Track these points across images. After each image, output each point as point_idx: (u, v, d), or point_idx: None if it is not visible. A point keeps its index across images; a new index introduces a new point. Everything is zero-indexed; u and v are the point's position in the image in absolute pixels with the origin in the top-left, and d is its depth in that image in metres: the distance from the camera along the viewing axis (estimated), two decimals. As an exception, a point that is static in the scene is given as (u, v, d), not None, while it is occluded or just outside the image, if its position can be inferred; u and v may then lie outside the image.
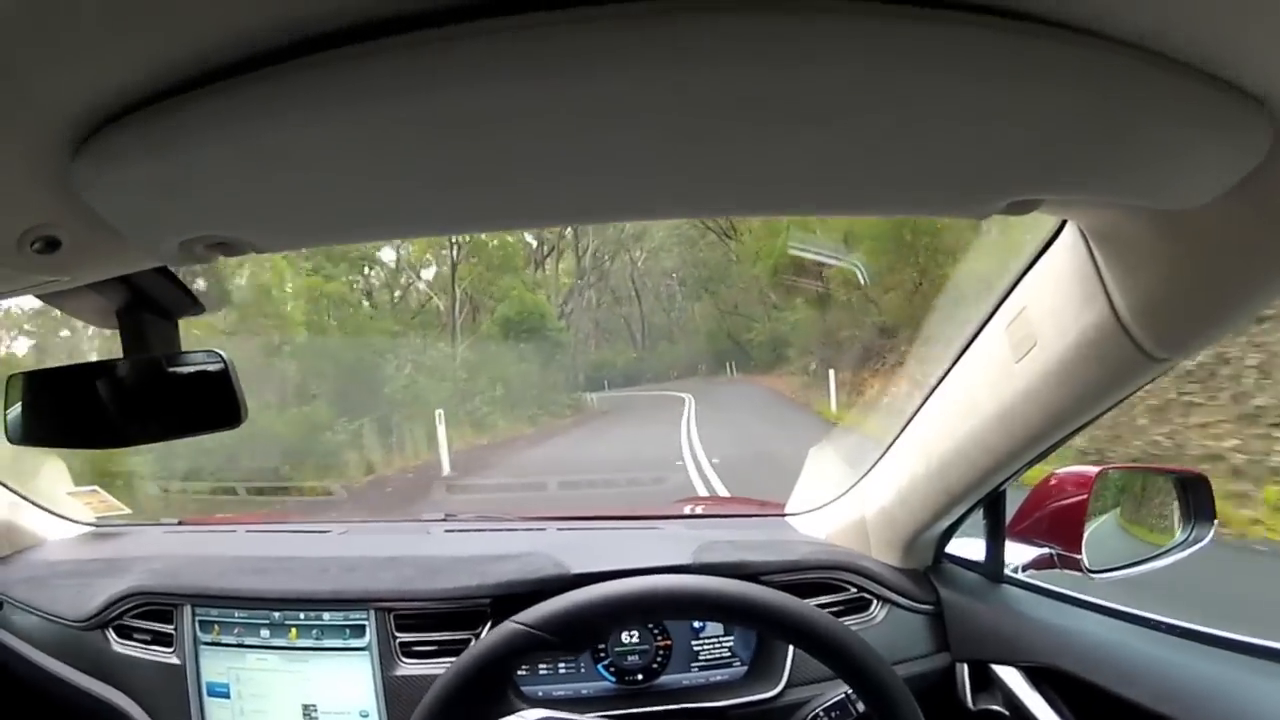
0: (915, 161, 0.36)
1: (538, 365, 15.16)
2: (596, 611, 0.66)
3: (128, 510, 1.15)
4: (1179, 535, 0.99)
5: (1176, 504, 1.02)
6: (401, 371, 11.61)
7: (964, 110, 0.31)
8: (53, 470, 1.15)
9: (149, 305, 0.68)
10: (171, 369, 0.71)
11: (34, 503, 1.10)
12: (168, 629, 0.95)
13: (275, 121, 0.30)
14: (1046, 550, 0.95)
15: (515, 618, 0.67)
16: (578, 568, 0.83)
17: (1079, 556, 0.91)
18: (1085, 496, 0.93)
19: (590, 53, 0.27)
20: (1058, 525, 0.94)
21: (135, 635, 0.98)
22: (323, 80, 0.29)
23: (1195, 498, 1.00)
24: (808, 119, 0.31)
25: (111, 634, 0.99)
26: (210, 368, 0.71)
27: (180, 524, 1.16)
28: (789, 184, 0.38)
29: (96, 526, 1.14)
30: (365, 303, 15.57)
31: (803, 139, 0.33)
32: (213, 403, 0.71)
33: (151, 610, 0.96)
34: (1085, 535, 0.92)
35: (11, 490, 1.09)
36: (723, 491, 5.41)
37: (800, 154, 0.34)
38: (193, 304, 0.72)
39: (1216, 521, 1.00)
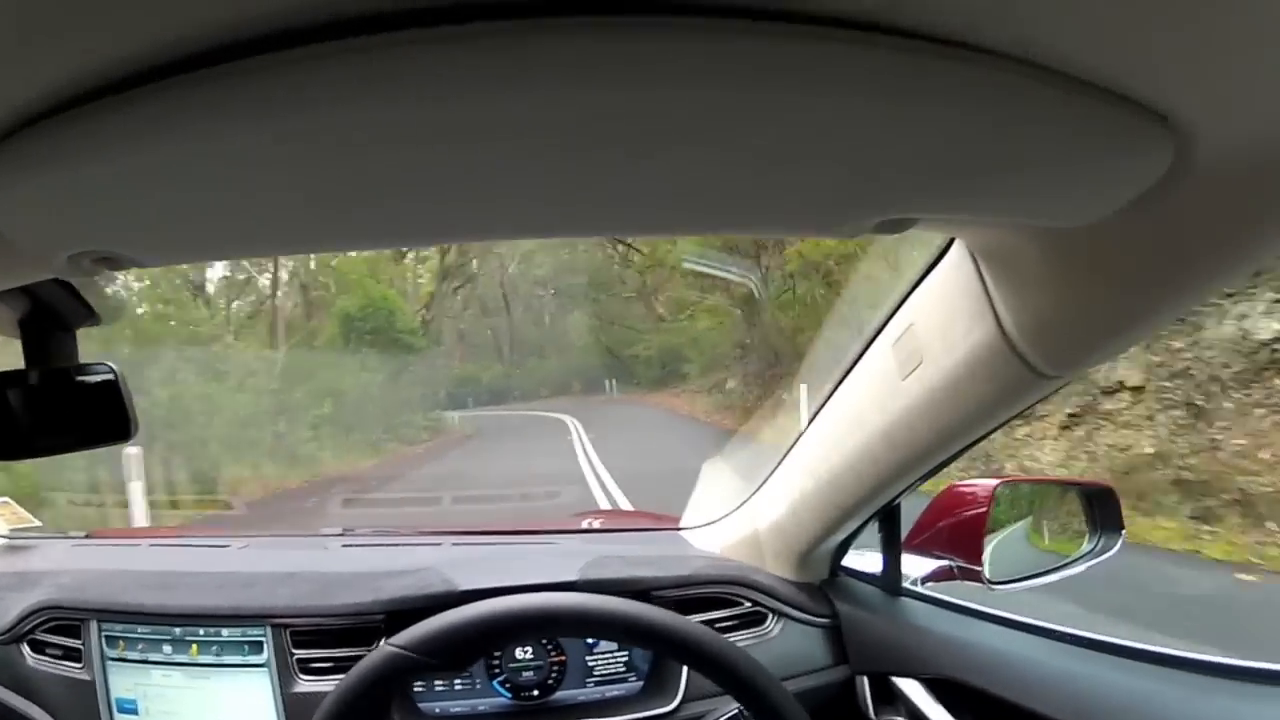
0: (781, 180, 0.35)
1: (385, 376, 12.58)
2: (469, 631, 0.66)
3: (38, 523, 1.15)
4: (1086, 545, 1.01)
5: (1082, 515, 1.03)
6: (174, 380, 8.77)
7: (829, 127, 0.30)
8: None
9: (49, 316, 0.68)
10: (68, 381, 0.71)
11: (-54, 516, 1.10)
12: (77, 644, 0.95)
13: (160, 138, 0.30)
14: (946, 562, 0.96)
15: (390, 640, 0.67)
16: (465, 584, 0.84)
17: (979, 568, 0.92)
18: (985, 509, 0.95)
19: (456, 72, 0.27)
20: (957, 537, 0.95)
21: (48, 650, 0.98)
22: (206, 98, 0.29)
23: (1102, 509, 1.02)
24: (670, 138, 0.30)
25: (26, 649, 0.99)
26: (102, 380, 0.71)
27: (88, 537, 1.16)
28: (656, 205, 0.37)
29: (9, 539, 1.14)
30: (197, 299, 12.95)
31: (667, 159, 0.32)
32: (106, 415, 0.71)
33: (61, 625, 0.96)
34: (986, 547, 0.93)
35: (-78, 502, 1.09)
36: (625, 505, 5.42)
37: (666, 174, 0.34)
38: (89, 315, 0.72)
39: (1125, 531, 1.01)
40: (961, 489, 0.95)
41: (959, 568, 0.95)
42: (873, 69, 0.28)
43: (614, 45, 0.26)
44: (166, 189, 0.33)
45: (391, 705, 0.77)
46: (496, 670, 0.87)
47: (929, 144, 0.31)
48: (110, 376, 0.72)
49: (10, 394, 0.71)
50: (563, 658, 0.87)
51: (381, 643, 0.67)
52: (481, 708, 0.87)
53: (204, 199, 0.35)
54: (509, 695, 0.87)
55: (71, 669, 0.96)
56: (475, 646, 0.69)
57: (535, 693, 0.87)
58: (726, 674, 0.67)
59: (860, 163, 0.33)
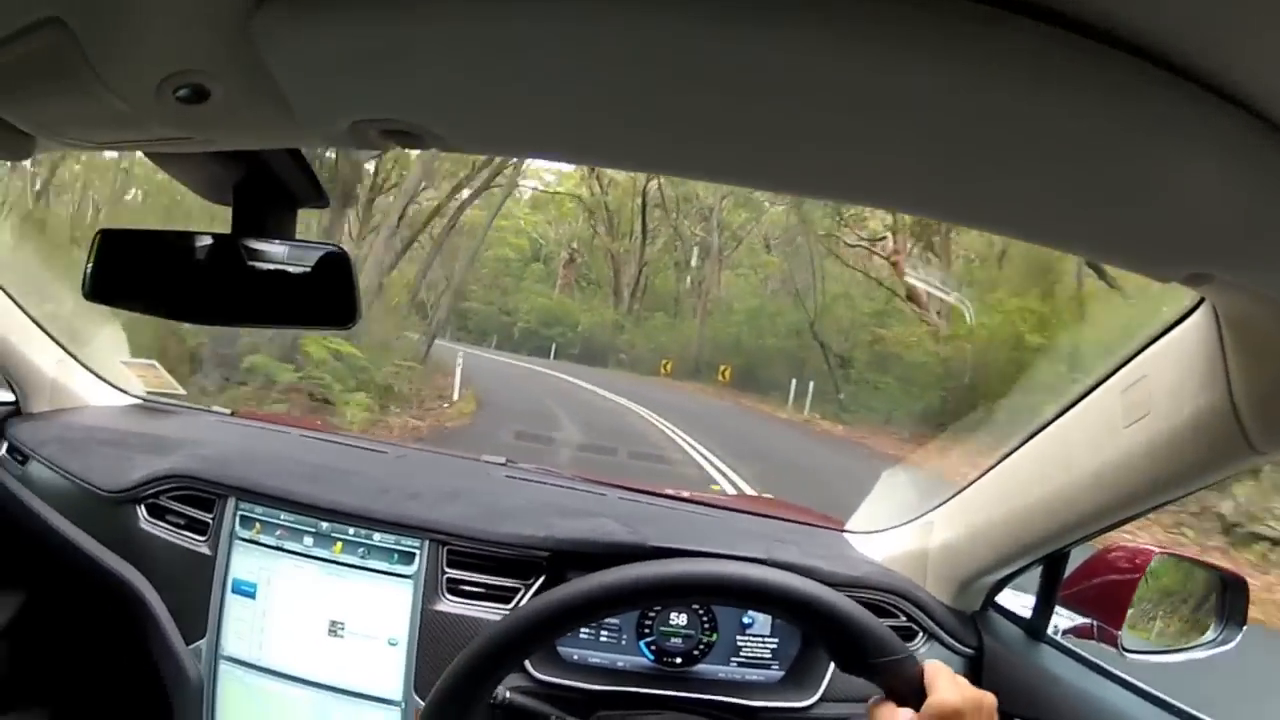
0: (1120, 213, 0.36)
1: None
2: (580, 605, 0.63)
3: (182, 391, 1.12)
4: (1209, 634, 1.00)
5: (1214, 601, 1.03)
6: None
7: (1184, 177, 0.32)
8: (110, 337, 1.12)
9: (272, 187, 0.66)
10: (287, 255, 0.69)
11: (84, 365, 1.07)
12: (205, 517, 0.93)
13: (502, 9, 0.28)
14: (1088, 620, 0.96)
15: (506, 625, 0.64)
16: (654, 540, 0.82)
17: (1118, 633, 0.92)
18: (1138, 576, 0.94)
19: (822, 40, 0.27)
20: (1106, 598, 0.94)
21: (168, 517, 0.96)
22: None
23: (1231, 599, 1.01)
24: (1044, 152, 0.32)
25: (142, 511, 0.97)
26: (328, 263, 0.69)
27: (232, 415, 1.13)
28: (1006, 205, 0.39)
29: (145, 401, 1.11)
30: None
31: (1028, 165, 0.33)
32: (327, 299, 0.68)
33: (192, 496, 0.94)
34: (1129, 613, 0.93)
35: (62, 347, 1.06)
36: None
37: (1022, 177, 0.34)
38: (318, 196, 0.69)
39: (1245, 628, 1.01)
40: (1123, 551, 0.94)
41: (1099, 627, 0.95)
42: (1238, 133, 0.29)
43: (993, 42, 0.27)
44: (494, 66, 0.31)
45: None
46: (647, 631, 0.85)
47: (1256, 209, 0.34)
48: (339, 261, 0.69)
49: (213, 258, 0.69)
50: (715, 632, 0.86)
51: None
52: (620, 664, 0.85)
53: (515, 84, 0.32)
54: (652, 658, 0.85)
55: (191, 540, 0.94)
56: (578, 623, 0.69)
57: (678, 660, 0.85)
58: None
59: (1203, 217, 0.35)
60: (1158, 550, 0.95)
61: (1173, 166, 0.31)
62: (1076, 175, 0.33)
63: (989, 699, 0.60)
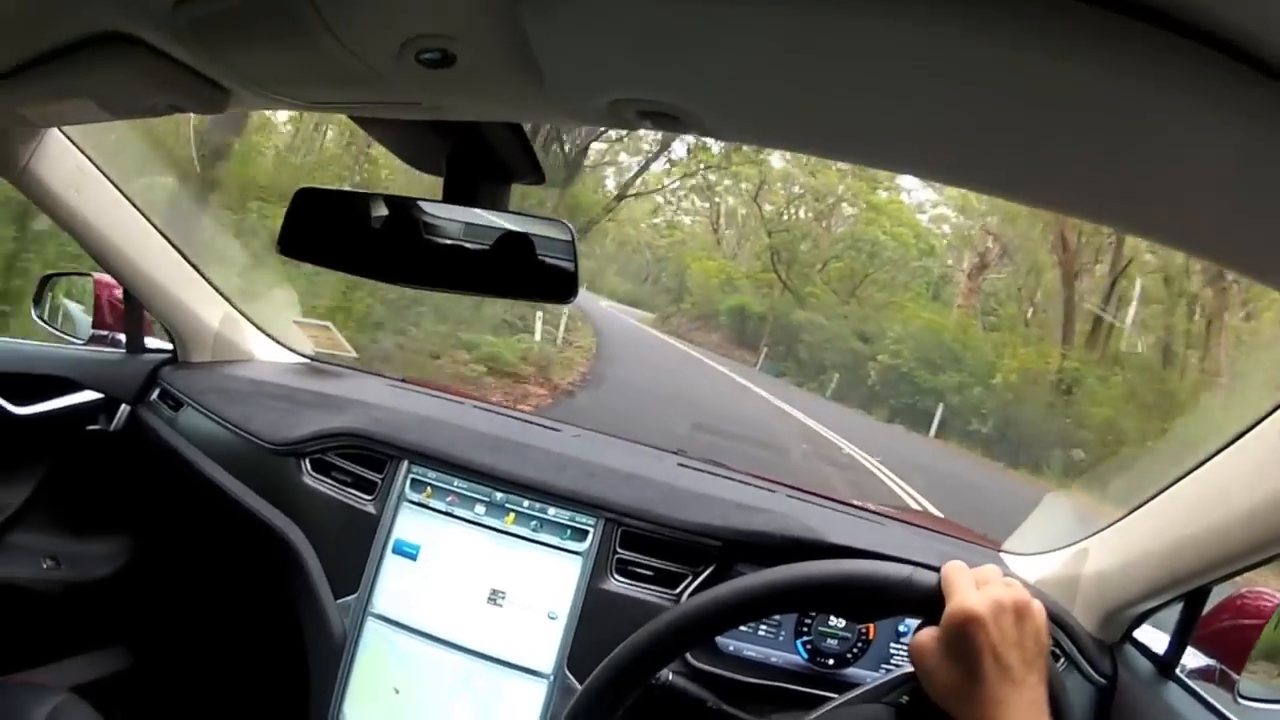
0: (1248, 218, 0.35)
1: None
2: (777, 593, 0.60)
3: (353, 353, 1.16)
4: (1313, 685, 1.03)
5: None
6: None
7: None
8: (282, 297, 1.16)
9: (486, 160, 0.66)
10: (507, 227, 0.71)
11: (251, 320, 1.10)
12: (373, 477, 0.96)
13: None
14: (1212, 663, 0.98)
15: (701, 601, 0.60)
16: (835, 538, 0.85)
17: (1236, 678, 0.95)
18: (1263, 622, 0.97)
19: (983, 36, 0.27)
20: (1231, 641, 0.97)
21: (334, 474, 0.99)
22: None
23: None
24: (1193, 158, 0.31)
25: (306, 465, 1.00)
26: (551, 237, 0.71)
27: (404, 381, 1.16)
28: (1140, 200, 0.38)
29: (312, 361, 1.14)
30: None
31: (1171, 163, 0.33)
32: (547, 272, 0.70)
33: (362, 455, 0.97)
34: (1252, 661, 0.95)
35: (230, 302, 1.10)
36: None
37: (1163, 176, 0.34)
38: (533, 172, 0.71)
39: (1346, 682, 1.03)
40: (1256, 595, 0.97)
41: (1221, 671, 0.97)
42: None
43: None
44: (748, 51, 0.30)
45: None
46: (805, 630, 0.88)
47: None
48: (563, 236, 0.71)
49: (427, 223, 0.72)
50: (871, 636, 0.88)
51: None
52: (774, 659, 0.88)
53: (786, 76, 0.31)
54: (806, 656, 0.88)
55: (357, 498, 0.97)
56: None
57: (831, 661, 0.88)
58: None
59: None
60: (1286, 599, 0.98)
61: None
62: (1203, 177, 0.33)
63: (1020, 598, 0.54)
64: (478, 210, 0.70)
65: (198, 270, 1.11)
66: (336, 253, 0.75)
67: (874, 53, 0.29)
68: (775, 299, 17.01)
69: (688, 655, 0.85)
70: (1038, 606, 0.55)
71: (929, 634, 0.54)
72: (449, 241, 0.73)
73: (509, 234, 0.72)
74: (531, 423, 1.07)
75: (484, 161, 0.69)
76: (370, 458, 0.97)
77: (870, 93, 0.32)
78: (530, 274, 0.71)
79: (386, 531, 0.95)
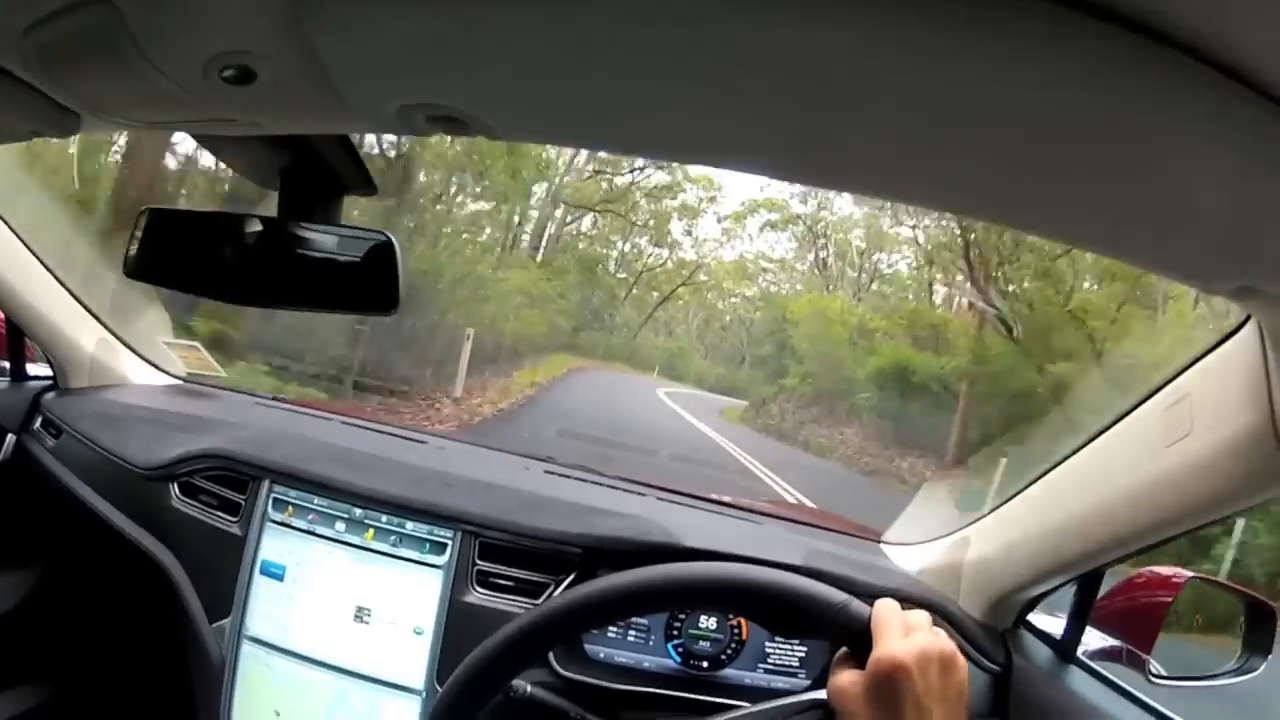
0: (1173, 221, 0.36)
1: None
2: (611, 601, 0.62)
3: (222, 373, 1.13)
4: (1234, 661, 1.00)
5: (1240, 628, 1.02)
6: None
7: (1242, 185, 0.31)
8: (153, 317, 1.13)
9: (319, 173, 0.66)
10: (333, 241, 0.69)
11: (125, 343, 1.08)
12: (237, 498, 0.93)
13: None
14: (1117, 643, 0.95)
15: (540, 612, 0.62)
16: (691, 542, 0.82)
17: (1146, 659, 0.91)
18: (1168, 600, 0.94)
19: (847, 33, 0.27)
20: (1135, 622, 0.94)
21: (200, 496, 0.96)
22: None
23: (1258, 627, 1.00)
24: (1091, 156, 0.31)
25: (175, 489, 0.97)
26: (374, 249, 0.69)
27: (274, 399, 1.14)
28: (1043, 201, 0.38)
29: (185, 382, 1.12)
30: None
31: (1085, 170, 0.33)
32: (369, 284, 0.69)
33: (226, 476, 0.94)
34: (1159, 639, 0.92)
35: (104, 326, 1.07)
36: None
37: (1066, 179, 0.34)
38: (365, 183, 0.69)
39: (1270, 657, 1.00)
40: (1155, 574, 0.93)
41: (1128, 651, 0.94)
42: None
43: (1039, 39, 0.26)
44: (524, 51, 0.30)
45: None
46: (675, 633, 0.85)
47: None
48: (385, 247, 0.69)
49: (257, 240, 0.69)
50: (744, 637, 0.85)
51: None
52: (646, 664, 0.85)
53: (560, 72, 0.32)
54: (679, 660, 0.85)
55: (223, 520, 0.94)
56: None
57: (705, 664, 0.85)
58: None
59: (1252, 229, 0.34)
60: (1190, 575, 0.94)
61: (1227, 176, 0.31)
62: (1130, 183, 0.33)
63: (946, 649, 0.53)
64: (309, 225, 0.68)
65: (72, 294, 1.08)
66: (177, 273, 0.74)
67: (645, 45, 0.29)
68: (975, 346, 10.18)
69: (555, 665, 0.82)
70: (962, 661, 0.55)
71: (851, 677, 0.53)
72: (283, 259, 0.71)
73: (337, 246, 0.70)
74: (398, 436, 1.04)
75: (315, 175, 0.67)
76: (234, 479, 0.94)
77: (649, 84, 0.32)
78: (356, 287, 0.70)
79: (253, 553, 0.92)
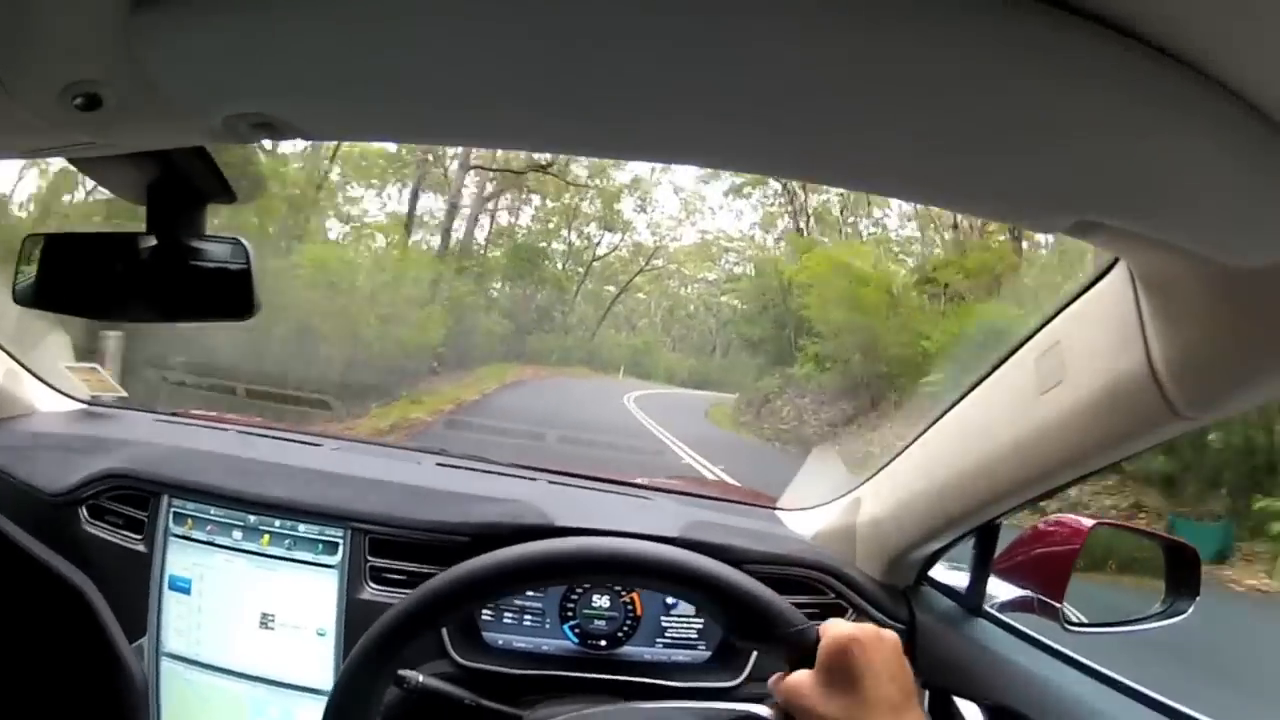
0: (1001, 162, 0.35)
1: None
2: (460, 589, 0.64)
3: (124, 393, 1.14)
4: (1159, 605, 0.99)
5: (1164, 572, 1.01)
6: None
7: (1060, 120, 0.31)
8: (54, 342, 1.14)
9: (181, 185, 0.67)
10: (194, 252, 0.70)
11: (31, 372, 1.09)
12: (140, 515, 0.94)
13: (333, 5, 0.29)
14: (1028, 593, 0.94)
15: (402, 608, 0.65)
16: (563, 520, 0.82)
17: (1059, 606, 0.91)
18: (1076, 547, 0.93)
19: None
20: (1044, 571, 0.93)
21: (107, 517, 0.96)
22: None
23: (1181, 570, 1.00)
24: (906, 98, 0.31)
25: (84, 513, 0.98)
26: (230, 256, 0.70)
27: (174, 414, 1.15)
28: (878, 159, 0.37)
29: (90, 405, 1.12)
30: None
31: (897, 117, 0.32)
32: (228, 292, 0.70)
33: (128, 495, 0.95)
34: (1069, 587, 0.91)
35: (10, 355, 1.08)
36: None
37: (893, 132, 0.34)
38: (224, 191, 0.71)
39: (1199, 598, 0.99)
40: (1060, 522, 0.93)
41: (1040, 601, 0.93)
42: (1109, 71, 0.28)
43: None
44: (330, 57, 0.33)
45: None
46: (570, 614, 0.85)
47: (1141, 155, 0.33)
48: (240, 253, 0.71)
49: (125, 256, 0.71)
50: (638, 613, 0.85)
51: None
52: (545, 647, 0.85)
53: (372, 73, 0.34)
54: (576, 641, 0.85)
55: (129, 539, 0.95)
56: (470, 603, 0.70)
57: (603, 643, 0.85)
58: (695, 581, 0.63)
59: (1075, 160, 0.34)
60: (1096, 521, 0.94)
61: (1049, 103, 0.30)
62: (940, 121, 0.32)
63: (891, 635, 0.56)
64: (175, 237, 0.70)
65: None
66: (58, 297, 0.75)
67: (456, 37, 0.30)
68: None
69: (454, 654, 0.83)
70: (900, 645, 0.57)
71: (803, 674, 0.55)
72: (151, 273, 0.72)
73: (200, 257, 0.71)
74: (293, 440, 1.04)
75: (177, 188, 0.69)
76: (136, 496, 0.94)
77: (461, 76, 0.33)
78: (217, 295, 0.71)
79: (160, 569, 0.92)
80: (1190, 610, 0.98)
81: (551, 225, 16.21)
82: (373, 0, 0.29)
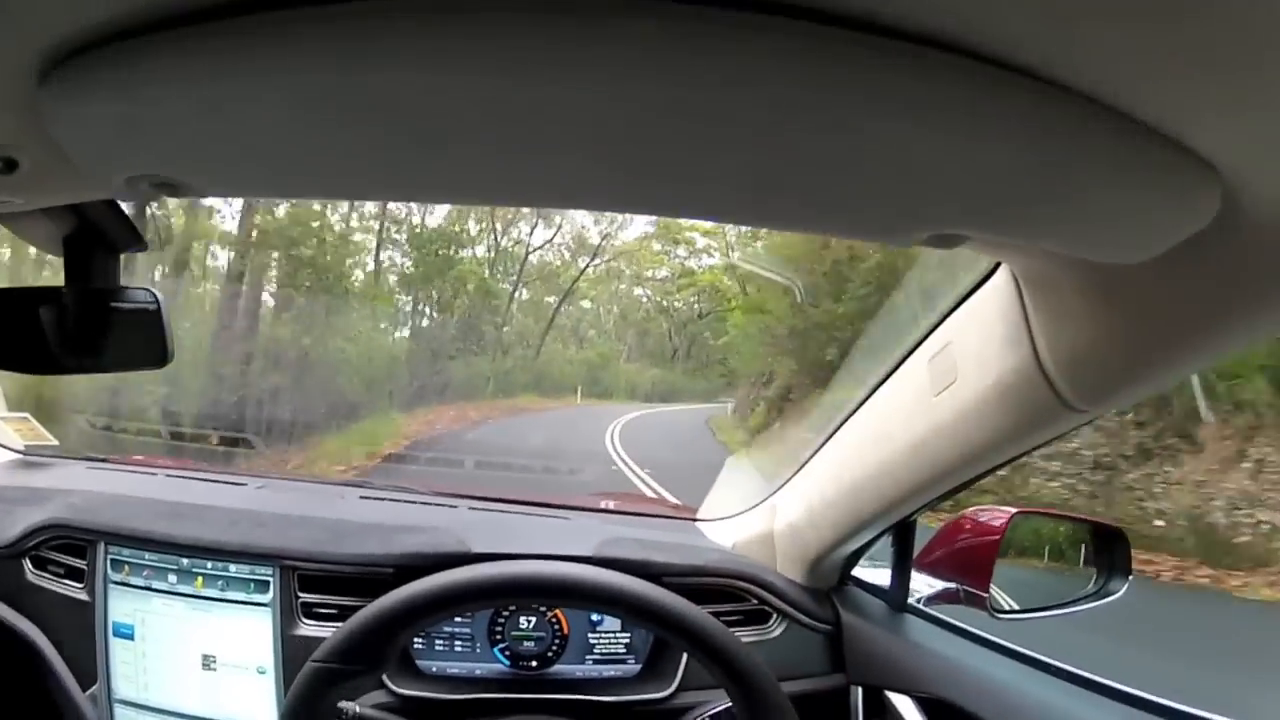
0: (842, 183, 0.35)
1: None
2: (372, 628, 0.68)
3: (55, 442, 1.15)
4: (1090, 586, 1.01)
5: (1091, 555, 1.03)
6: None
7: (896, 139, 0.31)
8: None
9: (95, 237, 0.69)
10: (109, 302, 0.72)
11: (-35, 427, 1.10)
12: (81, 564, 0.95)
13: (228, 72, 0.31)
14: (953, 585, 0.96)
15: (312, 656, 0.69)
16: (479, 547, 0.84)
17: (985, 595, 0.92)
18: (998, 537, 0.95)
19: (530, 47, 0.28)
20: (967, 562, 0.95)
21: (49, 567, 0.98)
22: (275, 38, 0.30)
23: (1111, 551, 1.02)
24: (738, 130, 0.31)
25: (28, 564, 0.99)
26: (145, 305, 0.72)
27: (104, 461, 1.16)
28: (718, 191, 0.38)
29: (24, 455, 1.14)
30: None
31: (730, 149, 0.33)
32: (144, 341, 0.72)
33: (67, 544, 0.96)
34: (994, 576, 0.93)
35: (-53, 412, 1.09)
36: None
37: (728, 164, 0.34)
38: (136, 240, 0.73)
39: (1131, 578, 1.01)
40: (978, 515, 0.95)
41: (965, 592, 0.95)
42: (939, 89, 0.29)
43: (681, 36, 0.27)
44: (222, 121, 0.35)
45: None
46: (499, 637, 0.87)
47: (986, 166, 0.32)
48: (151, 302, 0.73)
49: (45, 309, 0.72)
50: (565, 632, 0.87)
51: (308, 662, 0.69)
52: (478, 671, 0.87)
53: (255, 135, 0.36)
54: (507, 663, 0.87)
55: (72, 588, 0.96)
56: (386, 641, 0.71)
57: (534, 663, 0.87)
58: (724, 663, 0.67)
59: (919, 177, 0.34)
60: (1014, 510, 0.95)
61: (888, 127, 0.30)
62: (790, 148, 0.32)
63: None
64: (89, 289, 0.71)
65: None
66: None
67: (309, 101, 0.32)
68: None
69: (389, 684, 0.84)
70: None
71: None
72: (69, 324, 0.74)
73: (113, 308, 0.73)
74: (218, 481, 1.06)
75: (92, 239, 0.70)
76: (74, 545, 0.96)
77: (346, 132, 0.35)
78: (133, 344, 0.73)
79: (103, 616, 0.94)
80: (1123, 590, 0.99)
81: (480, 227, 13.72)
82: (253, 75, 0.31)
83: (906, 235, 0.41)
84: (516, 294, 14.48)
